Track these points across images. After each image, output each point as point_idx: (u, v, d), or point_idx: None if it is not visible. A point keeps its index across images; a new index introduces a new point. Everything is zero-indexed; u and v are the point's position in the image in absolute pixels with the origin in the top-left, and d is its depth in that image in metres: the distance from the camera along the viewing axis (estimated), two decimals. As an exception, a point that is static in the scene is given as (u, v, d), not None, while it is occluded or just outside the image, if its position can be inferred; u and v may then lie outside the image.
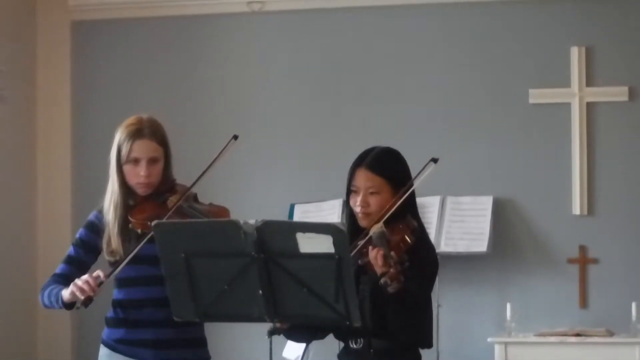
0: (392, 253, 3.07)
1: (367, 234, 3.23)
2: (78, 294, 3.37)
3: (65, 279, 3.59)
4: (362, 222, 3.28)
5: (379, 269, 3.08)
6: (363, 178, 3.29)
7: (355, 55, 6.17)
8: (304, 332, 3.36)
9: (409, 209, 3.33)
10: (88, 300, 3.38)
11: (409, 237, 3.21)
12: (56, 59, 6.41)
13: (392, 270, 3.04)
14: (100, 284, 3.38)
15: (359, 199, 3.28)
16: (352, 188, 3.31)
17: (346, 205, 3.36)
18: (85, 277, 3.39)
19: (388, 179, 3.30)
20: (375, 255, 3.08)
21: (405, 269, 3.06)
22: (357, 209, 3.28)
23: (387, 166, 3.33)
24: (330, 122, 6.16)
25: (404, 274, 3.05)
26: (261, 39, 6.28)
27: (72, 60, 6.43)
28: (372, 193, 3.28)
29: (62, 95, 6.41)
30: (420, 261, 3.17)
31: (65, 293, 3.45)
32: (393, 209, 3.24)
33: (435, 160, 3.31)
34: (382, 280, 3.11)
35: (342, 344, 3.41)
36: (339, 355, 3.40)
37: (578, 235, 5.87)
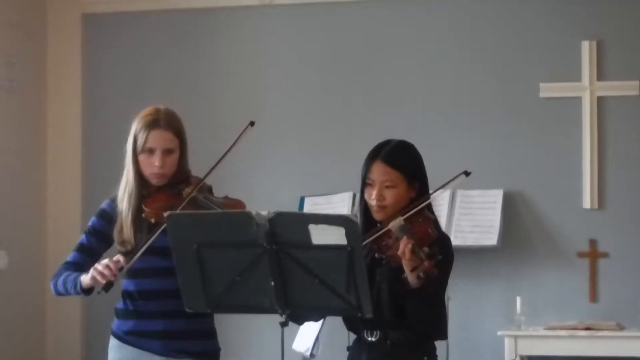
0: (425, 248, 3.06)
1: (384, 226, 3.22)
2: (99, 278, 3.37)
3: (77, 267, 3.59)
4: (377, 215, 3.28)
5: (408, 263, 3.07)
6: (379, 171, 3.29)
7: (364, 48, 6.17)
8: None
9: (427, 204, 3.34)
10: (109, 285, 3.38)
11: (432, 231, 3.21)
12: (67, 50, 6.41)
13: (425, 263, 3.04)
14: (121, 268, 3.39)
15: (374, 192, 3.28)
16: (368, 181, 3.30)
17: (360, 198, 3.36)
18: (105, 261, 3.39)
19: (404, 172, 3.30)
20: (404, 249, 3.07)
21: (438, 262, 3.06)
22: (373, 202, 3.28)
23: (403, 160, 3.33)
24: (340, 115, 6.16)
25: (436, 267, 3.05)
26: (270, 32, 6.28)
27: (82, 52, 6.43)
28: (387, 187, 3.28)
29: (72, 86, 6.41)
30: (442, 255, 3.17)
31: (85, 278, 3.45)
32: (419, 208, 3.24)
33: (467, 174, 3.33)
34: (404, 275, 3.11)
35: (352, 336, 3.41)
36: (351, 347, 3.40)
37: (588, 229, 5.86)
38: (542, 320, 5.72)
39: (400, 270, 3.14)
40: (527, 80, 5.95)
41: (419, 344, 3.29)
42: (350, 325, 3.37)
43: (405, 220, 3.15)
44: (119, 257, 3.41)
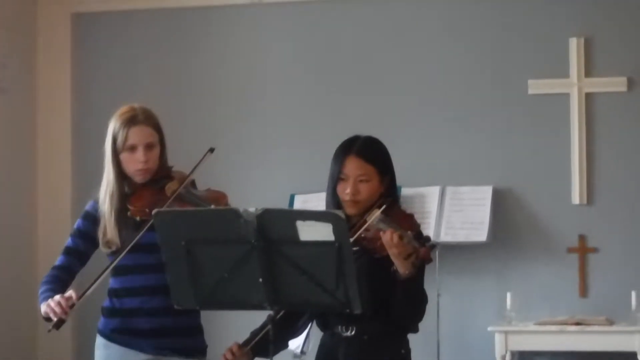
0: (409, 232, 3.08)
1: (360, 220, 3.24)
2: (51, 315, 3.38)
3: (64, 271, 3.60)
4: (350, 210, 3.30)
5: (400, 252, 3.08)
6: (354, 165, 3.32)
7: (355, 45, 6.19)
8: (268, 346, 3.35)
9: (397, 197, 3.38)
10: (60, 323, 3.37)
11: (415, 221, 3.24)
12: (56, 50, 6.42)
13: (422, 250, 3.06)
14: (72, 305, 3.37)
15: (349, 186, 3.30)
16: (341, 176, 3.33)
17: (331, 193, 3.37)
18: (57, 297, 3.38)
19: (377, 167, 3.34)
20: (390, 238, 3.08)
21: (430, 248, 3.09)
22: (347, 197, 3.30)
23: (376, 154, 3.37)
24: (331, 112, 6.17)
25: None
26: (262, 30, 6.29)
27: (72, 52, 6.44)
28: (361, 181, 3.31)
29: (62, 87, 6.42)
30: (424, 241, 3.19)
31: (43, 307, 3.44)
32: (385, 205, 3.26)
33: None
34: (393, 268, 3.12)
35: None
36: (322, 344, 3.40)
37: (577, 224, 5.89)
38: (533, 315, 5.74)
39: (381, 262, 3.16)
40: (516, 77, 5.97)
41: (395, 337, 3.31)
42: (322, 321, 3.38)
43: (382, 212, 3.17)
44: (71, 293, 3.39)
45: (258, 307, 3.13)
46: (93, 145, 6.18)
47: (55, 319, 3.37)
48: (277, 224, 3.01)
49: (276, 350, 3.26)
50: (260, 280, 3.05)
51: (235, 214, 3.02)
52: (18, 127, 6.29)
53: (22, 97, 6.32)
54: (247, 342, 3.34)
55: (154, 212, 3.16)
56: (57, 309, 3.36)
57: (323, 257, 2.99)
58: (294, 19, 6.26)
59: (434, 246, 3.13)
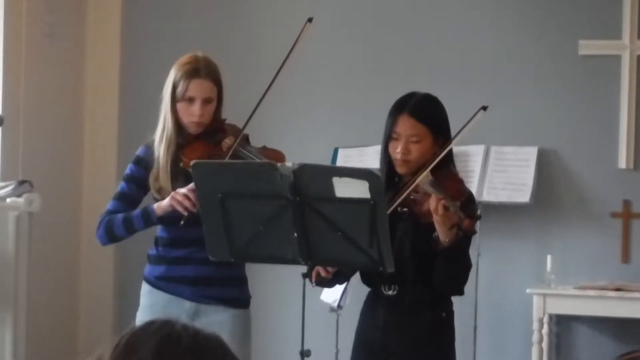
0: (457, 203, 3.05)
1: (409, 180, 3.22)
2: (179, 208, 3.40)
3: None
4: (401, 169, 3.27)
5: (444, 220, 3.05)
6: (406, 125, 3.28)
7: (400, 1, 6.12)
8: (340, 279, 3.39)
9: (450, 159, 3.32)
10: (191, 216, 3.40)
11: (464, 188, 3.21)
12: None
13: (466, 221, 3.03)
14: None
15: (400, 145, 3.26)
16: (393, 135, 3.29)
17: (383, 151, 3.35)
18: (183, 190, 3.41)
19: (430, 127, 3.29)
20: (436, 206, 3.04)
21: (475, 220, 3.05)
22: (398, 156, 3.27)
23: (430, 114, 3.31)
24: (376, 66, 6.12)
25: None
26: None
27: (122, -3, 6.44)
28: (414, 141, 3.26)
29: (111, 33, 6.42)
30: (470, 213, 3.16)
31: (160, 206, 3.47)
32: (439, 158, 3.23)
33: (485, 108, 3.29)
34: (435, 234, 3.09)
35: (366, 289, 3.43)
36: (366, 302, 3.40)
37: (623, 189, 5.81)
38: (573, 279, 5.69)
39: (427, 227, 3.13)
40: (566, 37, 5.87)
41: (437, 300, 3.30)
42: (367, 278, 3.38)
43: (432, 175, 3.14)
44: (193, 185, 3.41)
45: (292, 261, 3.15)
46: (141, 89, 6.26)
47: (185, 213, 3.40)
48: (313, 180, 3.02)
49: (323, 284, 3.27)
50: (295, 235, 3.06)
51: (272, 168, 3.03)
52: (66, 72, 6.32)
53: (71, 43, 6.34)
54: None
55: (191, 163, 3.17)
56: (187, 203, 3.40)
57: (358, 214, 2.99)
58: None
59: (479, 217, 3.09)
